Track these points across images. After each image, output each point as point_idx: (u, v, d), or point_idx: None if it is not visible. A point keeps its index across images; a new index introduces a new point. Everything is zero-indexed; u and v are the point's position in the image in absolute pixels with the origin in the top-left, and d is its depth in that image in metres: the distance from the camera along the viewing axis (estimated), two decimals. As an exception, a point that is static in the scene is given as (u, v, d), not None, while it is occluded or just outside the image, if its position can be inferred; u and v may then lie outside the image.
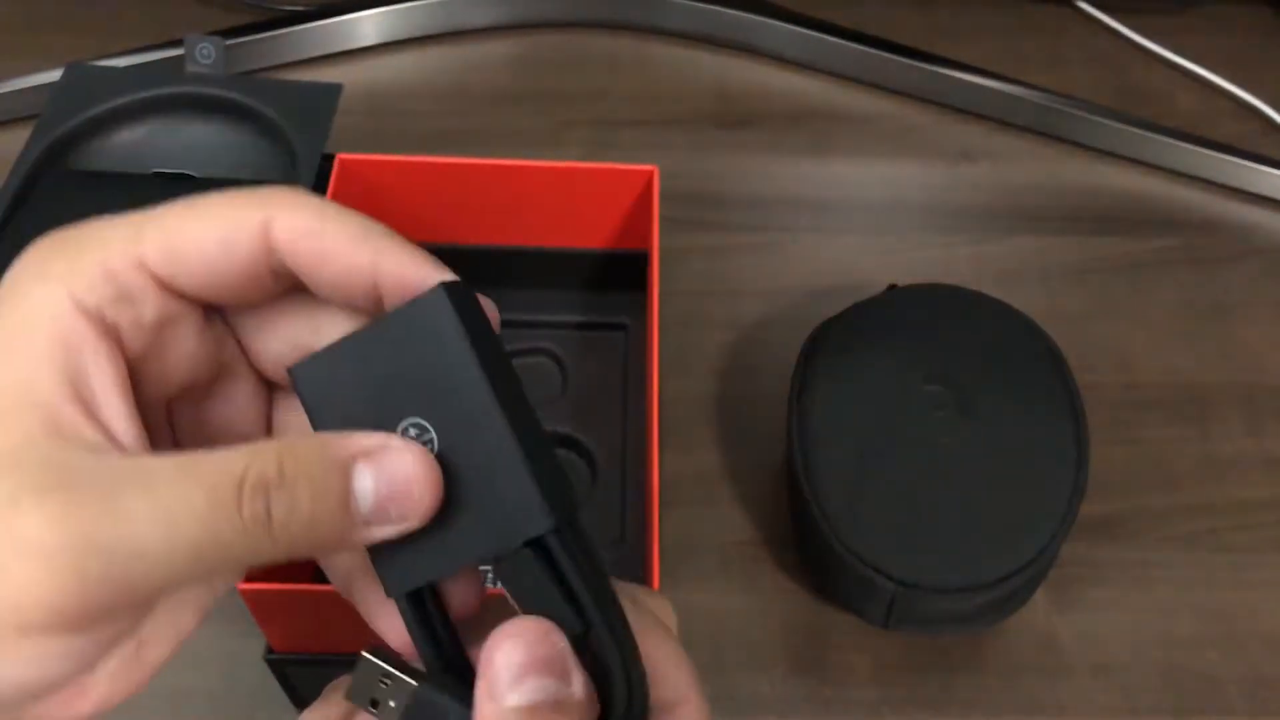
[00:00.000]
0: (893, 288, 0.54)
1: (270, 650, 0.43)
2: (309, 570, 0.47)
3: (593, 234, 0.55)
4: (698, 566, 0.52)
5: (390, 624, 0.25)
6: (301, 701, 0.47)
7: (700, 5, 0.73)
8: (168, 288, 0.23)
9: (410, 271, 0.24)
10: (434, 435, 0.23)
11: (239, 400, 0.26)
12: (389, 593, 0.24)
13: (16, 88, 0.67)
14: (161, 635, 0.24)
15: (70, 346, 0.22)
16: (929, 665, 0.50)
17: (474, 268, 0.57)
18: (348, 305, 0.25)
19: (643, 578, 0.41)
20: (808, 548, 0.50)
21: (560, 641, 0.23)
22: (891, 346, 0.51)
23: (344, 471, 0.22)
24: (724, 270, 0.63)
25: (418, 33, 0.73)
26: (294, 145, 0.53)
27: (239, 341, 0.26)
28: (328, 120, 0.54)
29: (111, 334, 0.22)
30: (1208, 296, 0.63)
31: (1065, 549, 0.48)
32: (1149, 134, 0.68)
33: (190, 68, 0.57)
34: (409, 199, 0.54)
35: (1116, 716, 0.49)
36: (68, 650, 0.21)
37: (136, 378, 0.23)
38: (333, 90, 0.55)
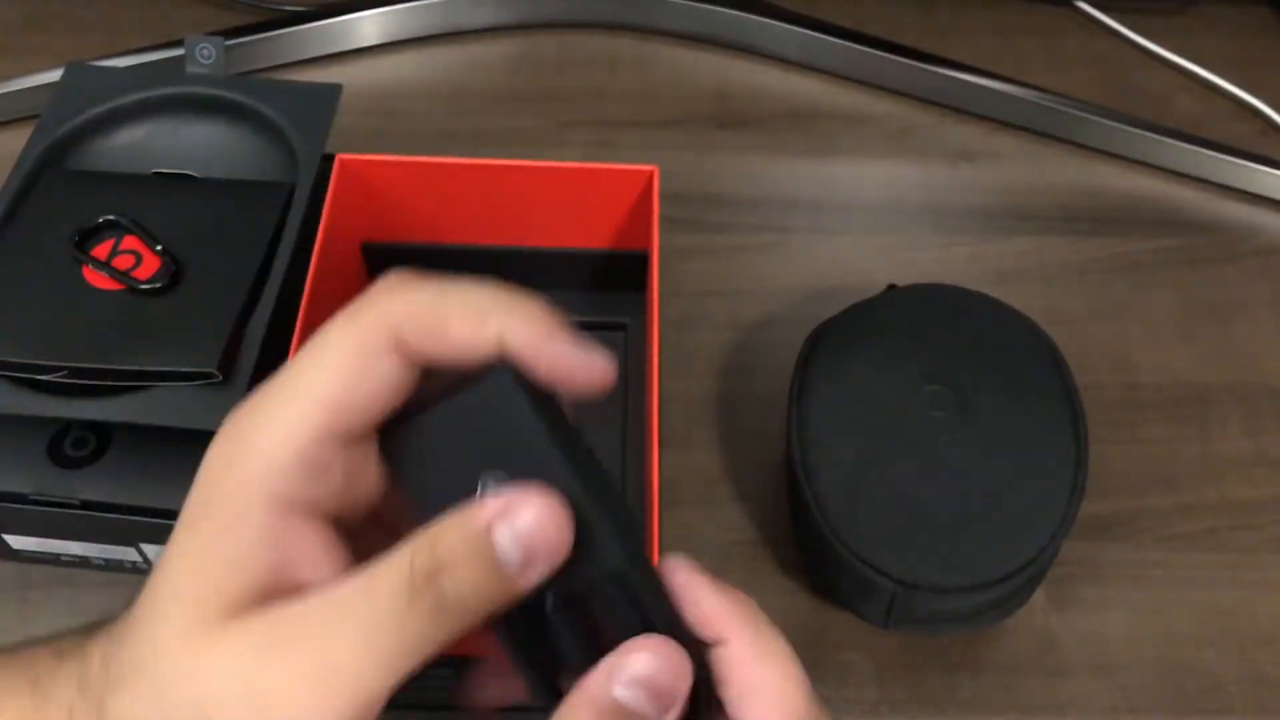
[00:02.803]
0: (892, 288, 0.54)
1: None
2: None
3: (593, 234, 0.55)
4: (698, 565, 0.52)
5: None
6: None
7: (700, 5, 0.73)
8: (350, 438, 0.26)
9: (534, 340, 0.28)
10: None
11: None
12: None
13: (17, 88, 0.67)
14: None
15: (276, 538, 0.26)
16: (929, 665, 0.50)
17: (474, 268, 0.57)
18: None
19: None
20: (807, 547, 0.50)
21: (684, 687, 0.26)
22: (891, 347, 0.51)
23: (485, 537, 0.25)
24: (724, 270, 0.63)
25: (418, 33, 0.74)
26: (294, 146, 0.53)
27: None
28: (328, 120, 0.54)
29: (313, 508, 0.26)
30: (1207, 297, 0.63)
31: (1065, 549, 0.48)
32: (1148, 134, 0.68)
33: (190, 68, 0.57)
34: (409, 199, 0.54)
35: (1116, 716, 0.49)
36: None
37: (340, 513, 0.27)
38: (333, 91, 0.55)
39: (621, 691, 0.26)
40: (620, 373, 0.57)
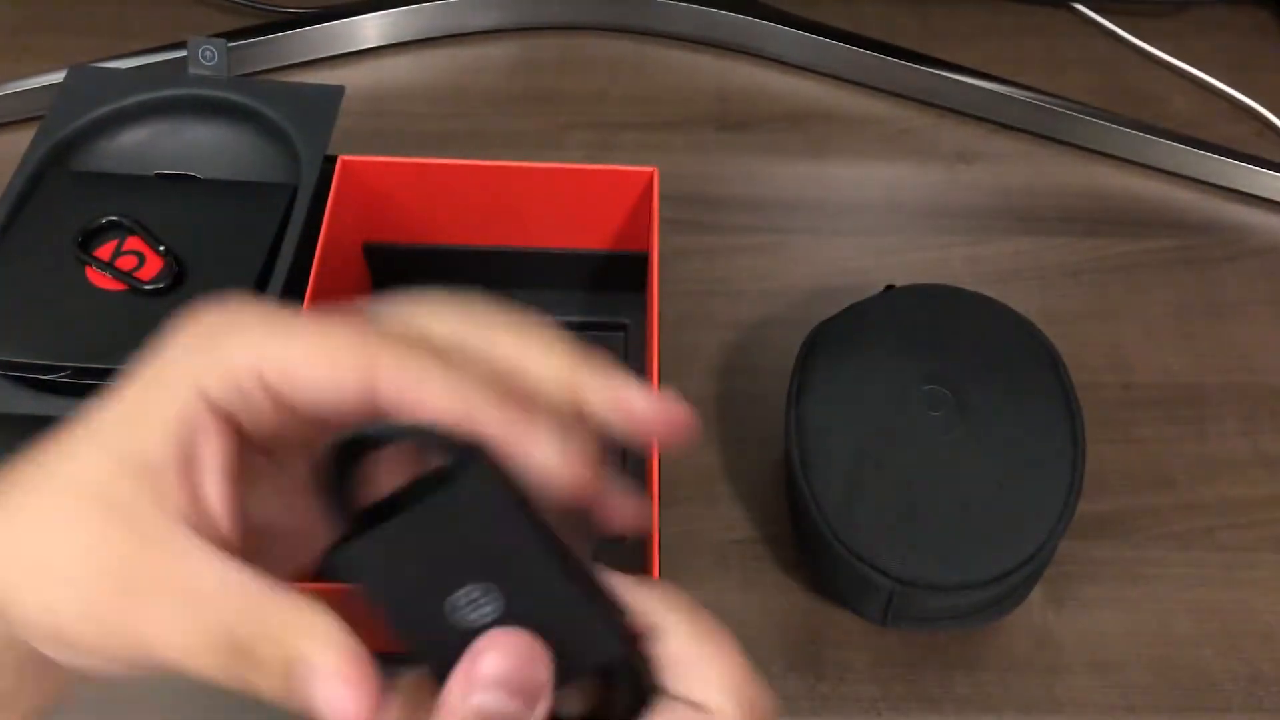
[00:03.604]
0: (890, 288, 0.55)
1: None
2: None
3: (593, 235, 0.55)
4: (697, 564, 0.53)
5: None
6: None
7: (699, 8, 0.73)
8: (281, 401, 0.26)
9: (504, 428, 0.25)
10: (500, 595, 0.25)
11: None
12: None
13: (20, 89, 0.67)
14: None
15: (189, 430, 0.25)
16: (926, 662, 0.50)
17: (475, 269, 0.58)
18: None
19: (644, 574, 0.42)
20: (806, 546, 0.50)
21: (544, 675, 0.25)
22: (889, 346, 0.51)
23: (292, 675, 0.24)
24: (724, 270, 0.63)
25: (419, 35, 0.74)
26: (297, 147, 0.53)
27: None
28: (330, 122, 0.54)
29: (230, 422, 0.25)
30: (1204, 297, 0.63)
31: (1062, 547, 0.48)
32: (1145, 135, 0.68)
33: (193, 70, 0.57)
34: (411, 200, 0.54)
35: (1113, 713, 0.49)
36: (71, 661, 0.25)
37: (252, 451, 0.26)
38: (335, 93, 0.56)
39: (480, 698, 0.24)
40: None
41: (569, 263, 0.57)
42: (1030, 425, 0.49)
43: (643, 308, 0.56)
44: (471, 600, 0.25)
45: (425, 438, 0.25)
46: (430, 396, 0.25)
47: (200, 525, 0.25)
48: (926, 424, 0.48)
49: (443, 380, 0.25)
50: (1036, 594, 0.51)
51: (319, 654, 0.24)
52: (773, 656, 0.50)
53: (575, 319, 0.58)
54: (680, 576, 0.52)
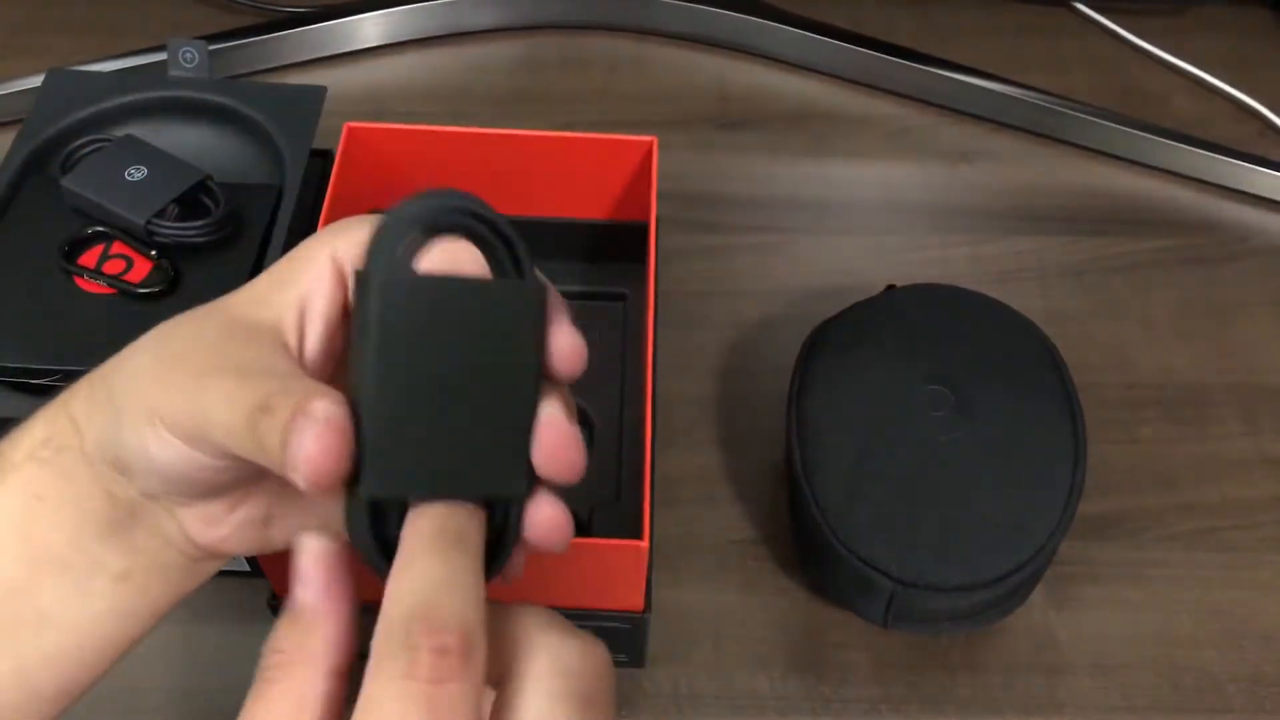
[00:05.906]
0: (891, 288, 0.55)
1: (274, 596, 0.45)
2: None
3: (593, 204, 0.55)
4: (697, 565, 0.53)
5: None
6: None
7: (700, 7, 0.73)
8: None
9: None
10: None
11: None
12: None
13: (4, 92, 0.67)
14: (283, 531, 0.33)
15: (313, 283, 0.30)
16: (927, 664, 0.50)
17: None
18: None
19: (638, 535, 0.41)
20: (807, 546, 0.50)
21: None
22: (890, 346, 0.51)
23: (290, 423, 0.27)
24: (724, 270, 0.63)
25: (419, 34, 0.74)
26: (280, 147, 0.53)
27: None
28: (313, 122, 0.54)
29: (343, 276, 0.30)
30: (1205, 296, 0.63)
31: (1063, 548, 0.48)
32: (1147, 135, 0.68)
33: (174, 72, 0.56)
34: (414, 167, 0.54)
35: (1114, 715, 0.49)
36: (190, 461, 0.29)
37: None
38: (317, 93, 0.55)
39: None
40: (620, 343, 0.56)
41: (569, 231, 0.56)
42: (1032, 425, 0.49)
43: (643, 278, 0.55)
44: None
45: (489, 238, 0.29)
46: None
47: (289, 344, 0.29)
48: (928, 424, 0.48)
49: None
50: (1038, 595, 0.51)
51: (321, 407, 0.26)
52: (773, 658, 0.50)
53: (575, 289, 0.57)
54: (681, 577, 0.52)
